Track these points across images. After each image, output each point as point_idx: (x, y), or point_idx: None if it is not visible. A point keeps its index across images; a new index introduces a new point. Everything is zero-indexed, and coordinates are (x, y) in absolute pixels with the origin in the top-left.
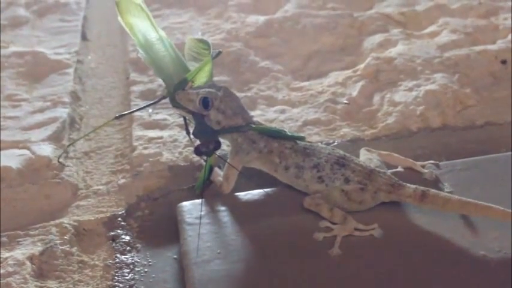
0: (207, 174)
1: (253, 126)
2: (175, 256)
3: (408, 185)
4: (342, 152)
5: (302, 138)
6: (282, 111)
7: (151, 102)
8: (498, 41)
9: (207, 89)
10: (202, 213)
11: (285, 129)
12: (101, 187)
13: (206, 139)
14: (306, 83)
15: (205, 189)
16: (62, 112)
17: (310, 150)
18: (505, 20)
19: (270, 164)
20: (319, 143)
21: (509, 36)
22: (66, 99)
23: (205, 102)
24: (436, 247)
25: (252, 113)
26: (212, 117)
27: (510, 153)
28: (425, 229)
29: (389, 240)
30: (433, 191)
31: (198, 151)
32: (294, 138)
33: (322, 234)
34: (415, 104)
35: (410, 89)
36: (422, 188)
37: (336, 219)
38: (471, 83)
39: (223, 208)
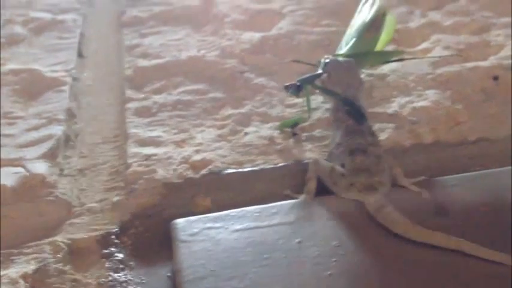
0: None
1: (341, 96)
2: (169, 274)
3: (379, 195)
4: (376, 149)
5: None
6: (277, 128)
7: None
8: (490, 58)
9: (337, 58)
10: (196, 230)
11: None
12: (95, 205)
13: (300, 82)
14: (300, 100)
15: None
16: (57, 129)
17: (359, 134)
18: (496, 36)
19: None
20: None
21: (501, 53)
22: (62, 117)
23: (325, 64)
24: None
25: (246, 130)
26: (322, 77)
27: (502, 169)
28: None
29: None
30: (389, 208)
31: (285, 86)
32: (359, 121)
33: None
34: (408, 120)
35: (403, 106)
36: (384, 202)
37: (305, 189)
38: (463, 100)
39: (217, 225)
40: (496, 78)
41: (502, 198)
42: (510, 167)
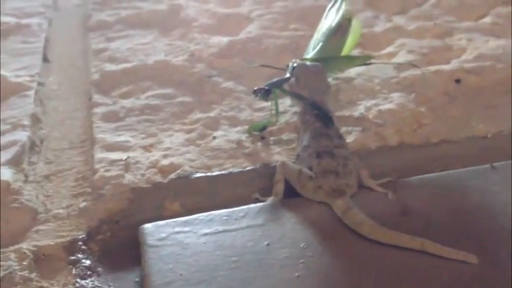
0: (276, 109)
1: (309, 100)
2: (137, 279)
3: (346, 198)
4: (343, 152)
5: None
6: (245, 132)
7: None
8: (452, 61)
9: (305, 63)
10: (164, 235)
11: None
12: (61, 211)
13: (268, 86)
14: (268, 103)
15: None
16: (22, 135)
17: (326, 137)
18: (459, 40)
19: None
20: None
21: (463, 56)
22: (26, 122)
23: (293, 68)
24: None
25: (215, 134)
26: (290, 81)
27: (465, 169)
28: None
29: None
30: (356, 210)
31: (254, 91)
32: (327, 124)
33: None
34: (374, 123)
35: (369, 108)
36: (350, 204)
37: (273, 191)
38: (427, 102)
39: (186, 229)
40: (458, 81)
41: (464, 198)
42: (472, 168)
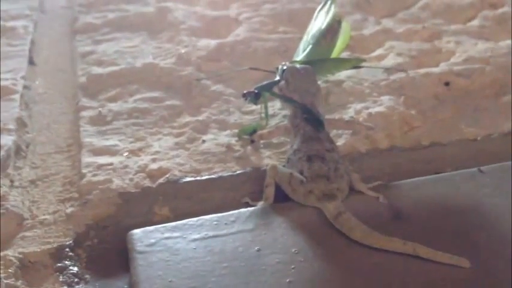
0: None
1: (299, 103)
2: (125, 286)
3: (337, 202)
4: (334, 155)
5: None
6: (234, 135)
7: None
8: (441, 64)
9: (295, 65)
10: (153, 241)
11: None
12: (47, 217)
13: (258, 90)
14: (257, 106)
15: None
16: (7, 139)
17: (317, 140)
18: (447, 43)
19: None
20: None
21: (452, 59)
22: (12, 126)
23: (283, 71)
24: None
25: (204, 137)
26: (280, 84)
27: (455, 172)
28: None
29: None
30: (347, 215)
31: (243, 94)
32: (318, 128)
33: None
34: (364, 126)
35: (359, 111)
36: (342, 209)
37: (264, 195)
38: (416, 105)
39: (175, 234)
40: (447, 84)
41: (456, 201)
42: (463, 171)
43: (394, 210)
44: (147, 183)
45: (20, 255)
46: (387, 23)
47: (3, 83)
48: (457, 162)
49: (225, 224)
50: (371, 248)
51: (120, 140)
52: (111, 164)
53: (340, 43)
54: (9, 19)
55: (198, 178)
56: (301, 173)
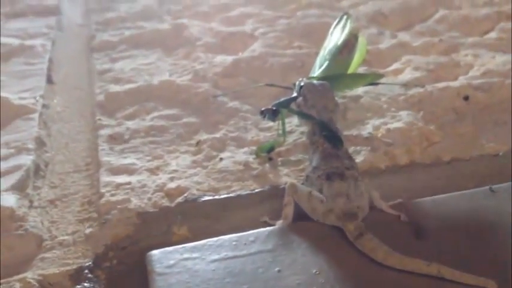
0: (283, 130)
1: (318, 120)
2: None
3: (358, 221)
4: (353, 173)
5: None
6: (252, 153)
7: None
8: (460, 77)
9: (312, 81)
10: (172, 262)
11: (341, 141)
12: (66, 237)
13: (276, 107)
14: (275, 123)
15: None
16: (27, 159)
17: (336, 158)
18: (465, 56)
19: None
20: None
21: (470, 73)
22: (31, 146)
23: (300, 87)
24: None
25: (221, 155)
26: (297, 101)
27: (477, 189)
28: None
29: None
30: (369, 235)
31: (261, 111)
32: (336, 145)
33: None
34: (383, 142)
35: (377, 127)
36: (363, 229)
37: (283, 214)
38: (435, 120)
39: (194, 255)
40: (466, 98)
41: (478, 219)
42: (486, 187)
43: (415, 229)
44: (165, 202)
45: (40, 277)
46: (403, 36)
47: (22, 102)
48: (479, 178)
49: (244, 244)
50: (393, 270)
51: (137, 159)
52: (129, 183)
53: (356, 58)
54: (28, 38)
55: (217, 197)
56: (321, 191)
